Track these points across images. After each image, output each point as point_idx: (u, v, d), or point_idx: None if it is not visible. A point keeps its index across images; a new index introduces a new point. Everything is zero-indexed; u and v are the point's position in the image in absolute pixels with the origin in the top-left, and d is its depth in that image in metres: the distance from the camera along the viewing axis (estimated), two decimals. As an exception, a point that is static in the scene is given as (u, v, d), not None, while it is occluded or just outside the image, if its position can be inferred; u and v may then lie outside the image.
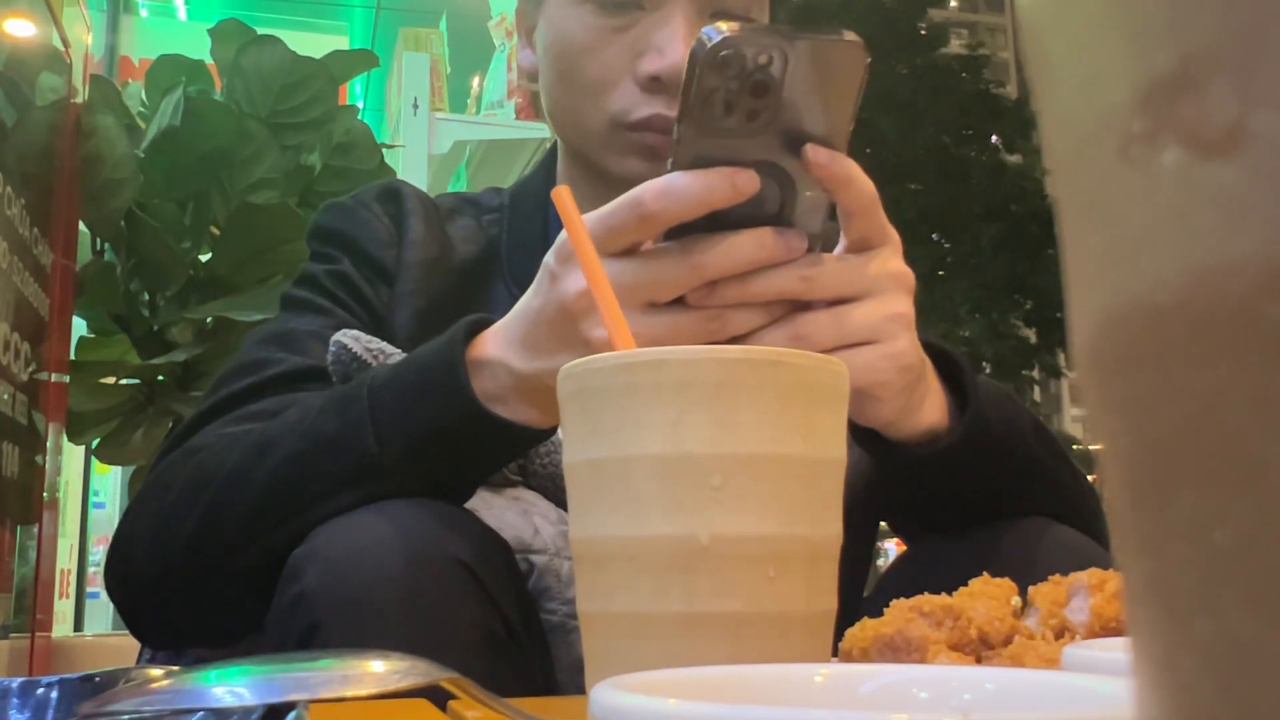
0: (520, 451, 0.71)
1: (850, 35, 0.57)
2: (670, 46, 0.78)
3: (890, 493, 0.78)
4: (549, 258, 0.62)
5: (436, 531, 0.62)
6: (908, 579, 0.67)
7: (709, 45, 0.55)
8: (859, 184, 0.60)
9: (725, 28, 0.55)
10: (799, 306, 0.62)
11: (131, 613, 0.75)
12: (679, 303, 0.61)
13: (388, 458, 0.64)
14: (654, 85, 0.79)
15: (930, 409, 0.68)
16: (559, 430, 0.73)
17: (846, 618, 0.46)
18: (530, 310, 0.63)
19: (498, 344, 0.64)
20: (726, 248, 0.59)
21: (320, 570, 0.60)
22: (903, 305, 0.63)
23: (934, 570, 0.68)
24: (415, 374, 0.65)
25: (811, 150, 0.58)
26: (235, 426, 0.74)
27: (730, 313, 0.60)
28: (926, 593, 0.45)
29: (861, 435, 0.69)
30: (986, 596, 0.45)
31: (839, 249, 0.63)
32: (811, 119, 0.58)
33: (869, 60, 0.58)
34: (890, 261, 0.63)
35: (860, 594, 0.87)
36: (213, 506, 0.68)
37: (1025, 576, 0.49)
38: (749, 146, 0.58)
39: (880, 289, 0.62)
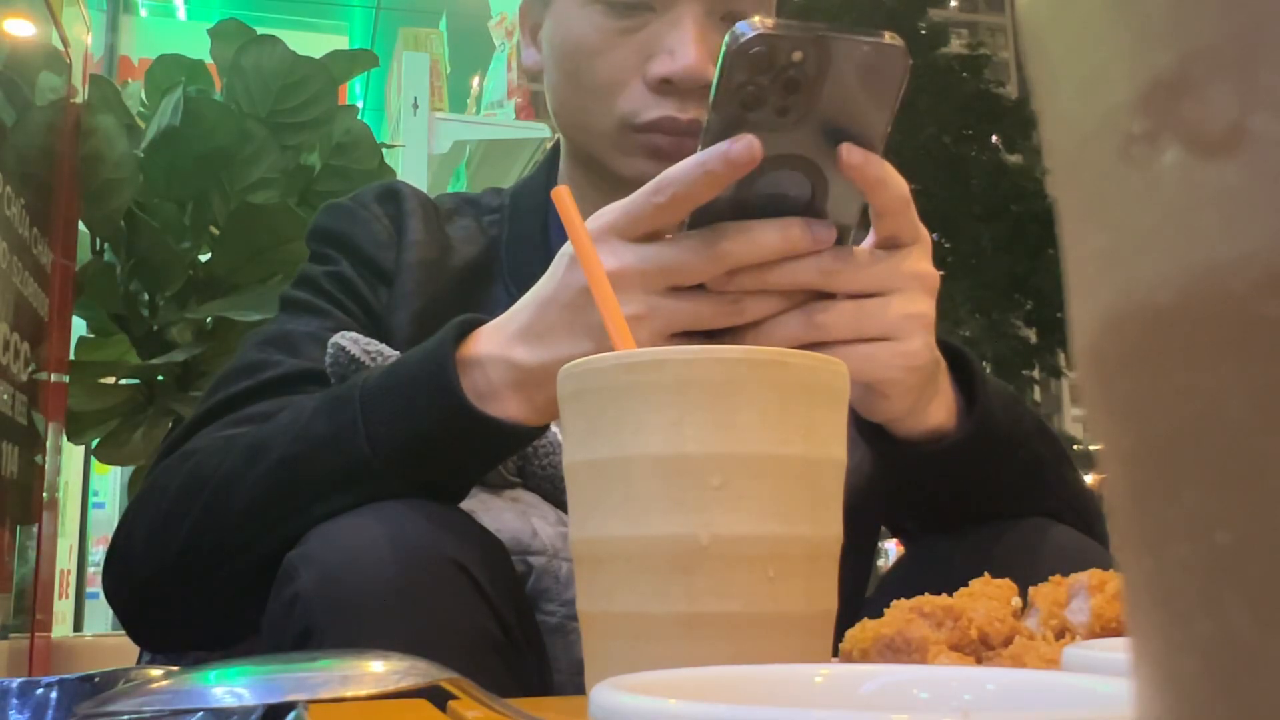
0: (512, 451, 0.71)
1: (891, 38, 0.57)
2: (681, 49, 0.78)
3: (893, 491, 0.78)
4: (568, 247, 0.62)
5: (431, 532, 0.61)
6: (909, 580, 0.67)
7: (741, 40, 0.55)
8: (892, 185, 0.60)
9: (760, 23, 0.55)
10: (821, 296, 0.62)
11: (128, 616, 0.75)
12: (700, 287, 0.61)
13: (379, 459, 0.64)
14: (664, 87, 0.79)
15: (938, 408, 0.68)
16: (555, 430, 0.73)
17: (847, 618, 0.46)
18: (542, 298, 0.63)
19: (495, 340, 0.64)
20: (750, 236, 0.59)
21: (315, 572, 0.60)
22: (923, 305, 0.63)
23: (935, 571, 0.68)
24: (406, 375, 0.65)
25: (846, 151, 0.58)
26: (232, 429, 0.74)
27: (749, 298, 0.61)
28: (927, 593, 0.45)
29: (866, 430, 0.69)
30: (987, 597, 0.45)
31: (868, 243, 0.63)
32: (846, 117, 0.58)
33: (910, 63, 0.57)
34: (917, 261, 0.63)
35: (861, 594, 0.87)
36: (207, 510, 0.68)
37: (1026, 577, 0.49)
38: (779, 140, 0.58)
39: (902, 287, 0.62)
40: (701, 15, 0.79)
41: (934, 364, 0.65)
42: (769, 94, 0.56)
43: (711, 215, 0.60)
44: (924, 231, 0.64)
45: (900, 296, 0.62)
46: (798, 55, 0.56)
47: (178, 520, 0.69)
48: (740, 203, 0.59)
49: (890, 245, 0.63)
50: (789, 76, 0.56)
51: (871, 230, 0.63)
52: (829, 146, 0.59)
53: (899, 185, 0.61)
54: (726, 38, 0.56)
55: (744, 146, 0.56)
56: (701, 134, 0.58)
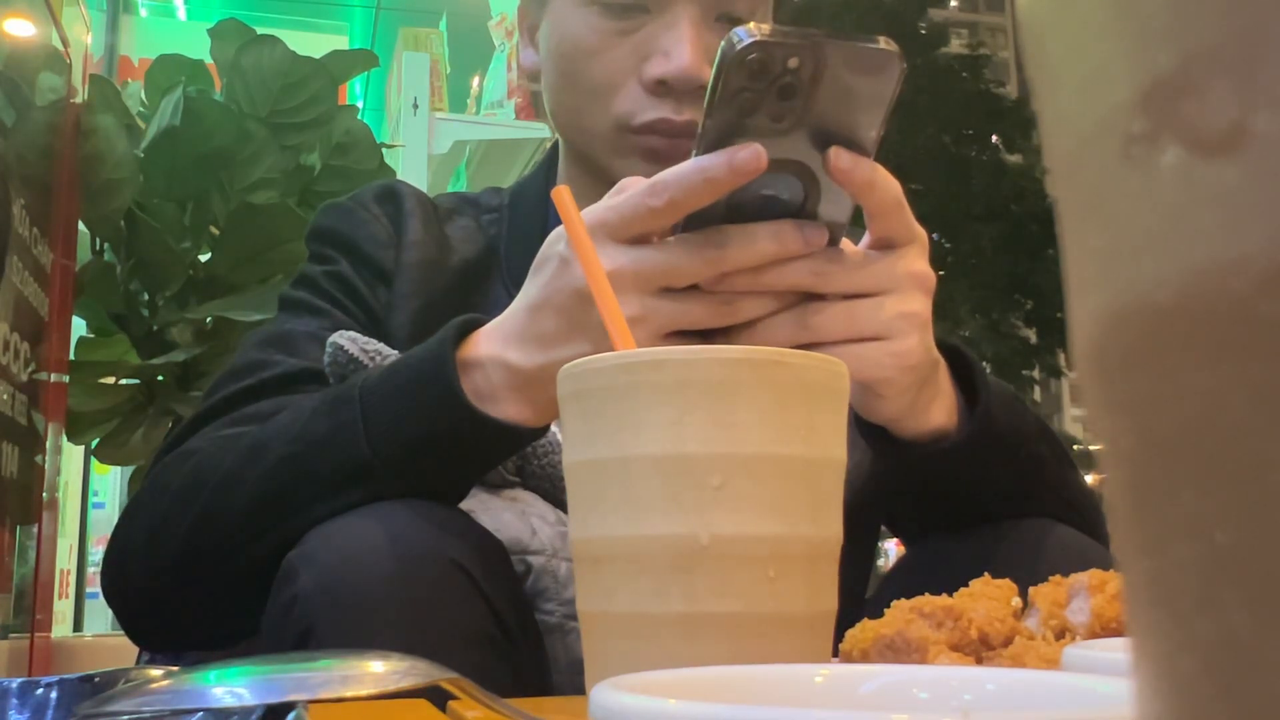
0: (512, 452, 0.71)
1: (886, 43, 0.57)
2: (676, 50, 0.78)
3: (894, 491, 0.78)
4: (560, 247, 0.62)
5: (430, 533, 0.61)
6: (910, 580, 0.67)
7: (738, 47, 0.55)
8: (882, 187, 0.60)
9: (756, 30, 0.55)
10: (814, 296, 0.62)
11: (127, 616, 0.75)
12: (693, 287, 0.61)
13: (379, 459, 0.64)
14: (659, 89, 0.79)
15: (939, 409, 0.68)
16: (555, 430, 0.73)
17: (847, 618, 0.46)
18: (536, 302, 0.62)
19: (492, 341, 0.64)
20: (743, 239, 0.59)
21: (314, 573, 0.60)
22: (917, 305, 0.63)
23: (936, 571, 0.68)
24: (406, 375, 0.65)
25: (834, 155, 0.58)
26: (231, 429, 0.74)
27: (742, 299, 0.61)
28: (927, 593, 0.45)
29: (868, 431, 0.69)
30: (987, 597, 0.45)
31: (863, 244, 0.63)
32: (840, 122, 0.58)
33: (904, 67, 0.57)
34: (912, 261, 0.63)
35: (862, 594, 0.87)
36: (207, 510, 0.68)
37: (1028, 577, 0.49)
38: (773, 145, 0.58)
39: (896, 287, 0.62)
40: (697, 16, 0.79)
41: (932, 364, 0.65)
42: (764, 100, 0.56)
43: (703, 216, 0.60)
44: (920, 231, 0.64)
45: (894, 296, 0.62)
46: (793, 61, 0.56)
47: (177, 520, 0.69)
48: (732, 204, 0.59)
49: (885, 246, 0.63)
50: (785, 82, 0.56)
51: (866, 231, 0.64)
52: (822, 150, 0.59)
53: (889, 186, 0.61)
54: (723, 44, 0.56)
55: (750, 155, 0.56)
56: (696, 139, 0.58)
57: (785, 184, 0.60)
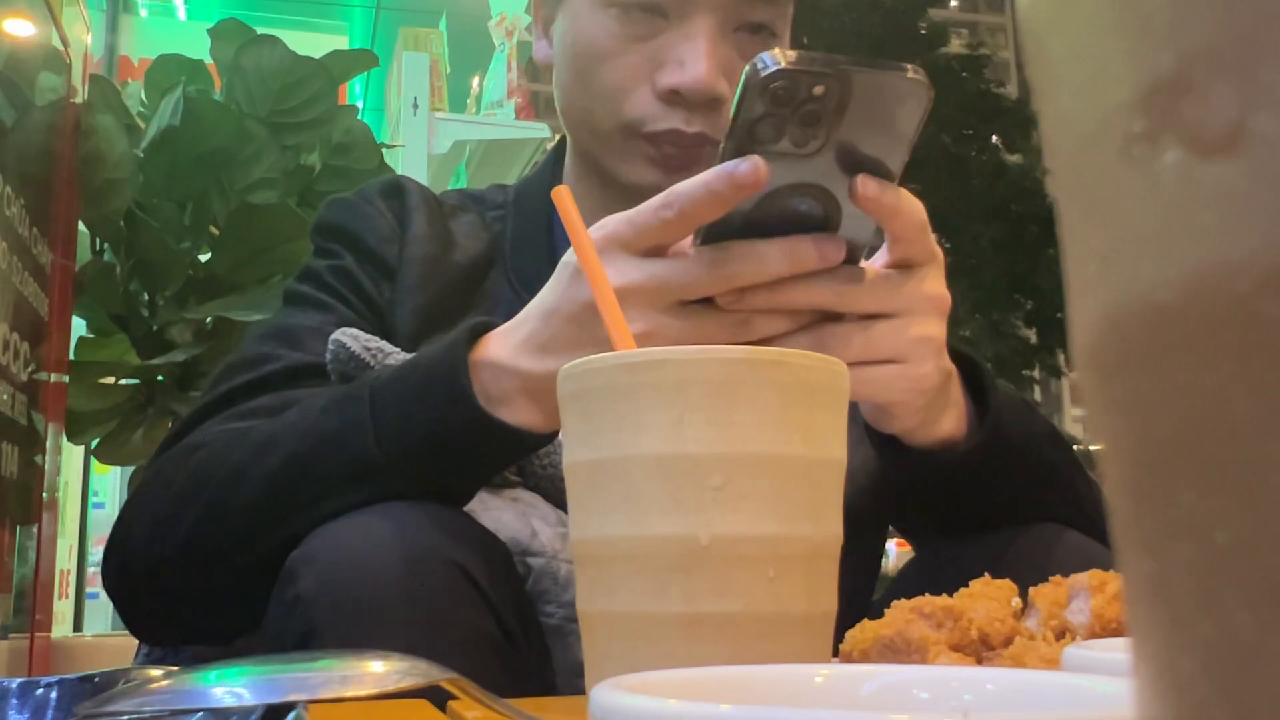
0: (521, 456, 0.71)
1: (914, 71, 0.56)
2: (691, 61, 0.77)
3: (904, 497, 0.78)
4: (571, 256, 0.62)
5: (433, 535, 0.61)
6: (919, 584, 0.67)
7: (762, 74, 0.54)
8: (907, 213, 0.60)
9: (781, 57, 0.54)
10: (830, 315, 0.61)
11: (127, 606, 0.75)
12: (708, 302, 0.61)
13: (388, 460, 0.64)
14: (673, 98, 0.78)
15: (949, 419, 0.67)
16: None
17: (853, 619, 0.46)
18: (546, 309, 0.62)
19: (504, 346, 0.64)
20: (756, 255, 0.59)
21: (317, 574, 0.60)
22: (933, 328, 0.62)
23: (945, 575, 0.68)
24: (417, 376, 0.65)
25: (861, 184, 0.58)
26: (235, 423, 0.74)
27: (757, 317, 0.60)
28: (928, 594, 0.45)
29: (877, 439, 0.69)
30: (987, 598, 0.45)
31: (880, 262, 0.63)
32: (864, 148, 0.57)
33: (933, 95, 0.57)
34: (930, 283, 0.63)
35: (867, 595, 0.86)
36: (212, 504, 0.68)
37: (1037, 583, 0.49)
38: (796, 169, 0.57)
39: (913, 309, 0.62)
40: (714, 27, 0.78)
41: (945, 380, 0.65)
42: (787, 125, 0.56)
43: (724, 232, 0.59)
44: (938, 252, 0.63)
45: (911, 319, 0.61)
46: (819, 89, 0.55)
47: (181, 513, 0.69)
48: (754, 222, 0.59)
49: (903, 265, 0.62)
50: (808, 109, 0.55)
51: (885, 250, 0.63)
52: (846, 174, 0.58)
53: (915, 211, 0.60)
54: (746, 69, 0.55)
55: (750, 169, 0.56)
56: (717, 158, 0.57)
57: (808, 206, 0.59)
